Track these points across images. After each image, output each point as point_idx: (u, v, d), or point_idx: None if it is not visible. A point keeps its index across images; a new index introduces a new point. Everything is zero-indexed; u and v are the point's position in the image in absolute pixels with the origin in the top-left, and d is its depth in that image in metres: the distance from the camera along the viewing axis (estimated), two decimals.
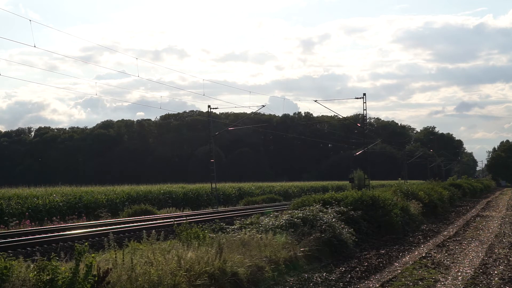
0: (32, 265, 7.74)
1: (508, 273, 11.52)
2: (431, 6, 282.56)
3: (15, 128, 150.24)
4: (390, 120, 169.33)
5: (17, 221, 25.74)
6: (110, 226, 22.72)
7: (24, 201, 29.71)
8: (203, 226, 13.93)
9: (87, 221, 27.10)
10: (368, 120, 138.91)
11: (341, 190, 28.95)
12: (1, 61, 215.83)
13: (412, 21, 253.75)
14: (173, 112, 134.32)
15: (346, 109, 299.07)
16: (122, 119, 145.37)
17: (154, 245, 10.10)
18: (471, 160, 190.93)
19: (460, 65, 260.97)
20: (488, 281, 10.82)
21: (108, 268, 7.71)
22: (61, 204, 31.44)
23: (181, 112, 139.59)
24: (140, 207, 32.74)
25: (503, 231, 19.84)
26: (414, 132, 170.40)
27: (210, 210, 36.57)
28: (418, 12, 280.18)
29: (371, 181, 44.68)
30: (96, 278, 7.45)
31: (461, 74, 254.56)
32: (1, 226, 24.38)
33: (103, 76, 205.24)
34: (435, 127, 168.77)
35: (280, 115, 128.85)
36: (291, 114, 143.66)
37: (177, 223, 14.35)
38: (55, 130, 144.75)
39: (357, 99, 40.65)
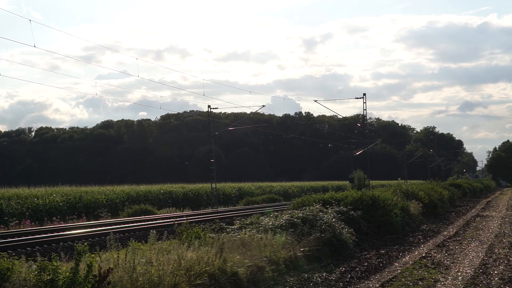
0: (34, 266, 7.74)
1: (508, 273, 11.53)
2: (434, 5, 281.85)
3: (17, 127, 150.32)
4: (391, 120, 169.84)
5: (17, 221, 25.75)
6: (110, 226, 22.74)
7: (24, 201, 29.74)
8: (203, 226, 13.93)
9: (87, 221, 27.12)
10: (368, 120, 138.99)
11: (341, 190, 28.94)
12: (2, 61, 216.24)
13: (415, 20, 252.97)
14: (173, 112, 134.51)
15: (347, 109, 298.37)
16: (122, 119, 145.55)
17: (154, 245, 10.11)
18: (471, 160, 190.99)
19: (463, 64, 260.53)
20: (488, 281, 10.83)
21: (109, 268, 7.71)
22: (61, 204, 31.47)
23: (181, 112, 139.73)
24: (140, 207, 32.79)
25: (503, 231, 19.86)
26: (414, 132, 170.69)
27: (210, 210, 36.59)
28: (422, 11, 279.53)
29: (371, 181, 44.64)
30: (97, 278, 7.46)
31: (464, 73, 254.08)
32: (1, 226, 24.39)
33: (104, 76, 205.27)
34: (435, 127, 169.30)
35: (280, 115, 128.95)
36: (293, 114, 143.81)
37: (177, 223, 14.36)
38: (55, 130, 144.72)
39: (358, 99, 40.64)
